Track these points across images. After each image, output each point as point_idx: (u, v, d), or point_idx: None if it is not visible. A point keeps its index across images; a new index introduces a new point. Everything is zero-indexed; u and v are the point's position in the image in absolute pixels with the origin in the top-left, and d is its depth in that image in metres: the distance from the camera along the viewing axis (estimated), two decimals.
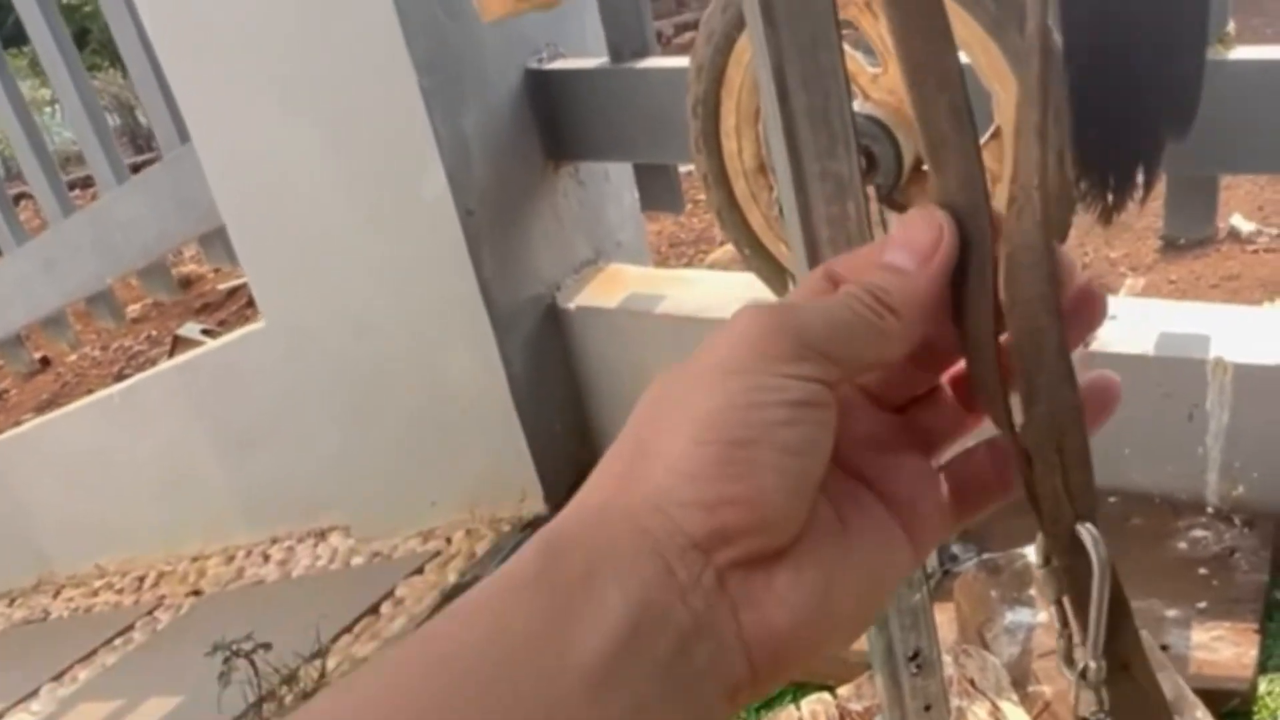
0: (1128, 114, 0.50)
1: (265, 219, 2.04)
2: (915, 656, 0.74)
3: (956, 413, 0.45)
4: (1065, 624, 0.44)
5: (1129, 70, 0.48)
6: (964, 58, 1.23)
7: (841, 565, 0.37)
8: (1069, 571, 0.42)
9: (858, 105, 1.29)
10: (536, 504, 2.16)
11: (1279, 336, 1.63)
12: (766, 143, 0.81)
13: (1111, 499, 1.74)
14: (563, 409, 2.15)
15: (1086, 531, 0.41)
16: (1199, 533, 1.68)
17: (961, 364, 0.45)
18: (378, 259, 1.99)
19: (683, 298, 1.99)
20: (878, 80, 1.31)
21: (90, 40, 8.60)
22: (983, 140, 1.29)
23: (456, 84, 1.82)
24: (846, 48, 1.24)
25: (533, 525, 2.15)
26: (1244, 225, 3.22)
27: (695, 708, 0.34)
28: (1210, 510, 1.70)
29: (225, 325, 5.11)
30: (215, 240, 2.34)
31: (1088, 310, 0.43)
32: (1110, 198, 0.52)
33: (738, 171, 1.41)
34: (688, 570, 0.34)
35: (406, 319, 2.03)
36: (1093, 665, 0.42)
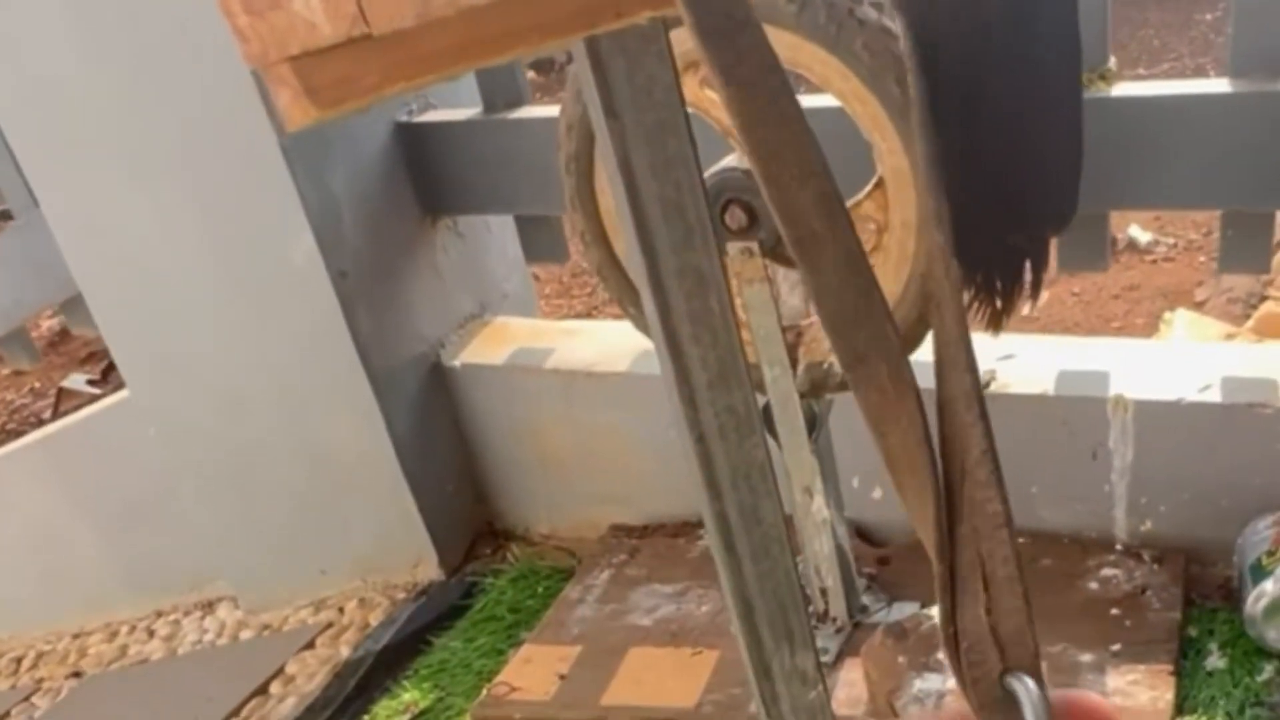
0: (1008, 217, 0.47)
1: (124, 287, 1.94)
2: None
3: None
4: None
5: (1006, 173, 0.45)
6: (837, 103, 1.18)
7: None
8: None
9: (733, 160, 1.23)
10: (431, 569, 2.09)
11: (1176, 371, 1.63)
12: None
13: (1020, 539, 1.71)
14: (453, 469, 2.08)
15: (1020, 686, 0.35)
16: (1109, 571, 1.67)
17: None
18: (247, 327, 1.90)
19: (572, 350, 1.93)
20: None
21: None
22: (865, 192, 1.24)
23: (321, 142, 1.75)
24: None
25: (426, 591, 2.08)
26: (1142, 236, 3.28)
27: None
28: (1120, 547, 1.70)
29: (112, 374, 4.94)
30: (78, 306, 2.23)
31: None
32: (999, 301, 0.49)
33: (615, 230, 1.34)
34: None
35: (282, 387, 1.95)
36: None
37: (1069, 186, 0.46)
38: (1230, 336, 2.34)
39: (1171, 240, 3.27)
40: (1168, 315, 2.53)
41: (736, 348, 0.68)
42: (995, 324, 0.48)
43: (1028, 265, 0.48)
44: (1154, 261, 3.25)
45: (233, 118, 1.68)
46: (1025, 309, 0.49)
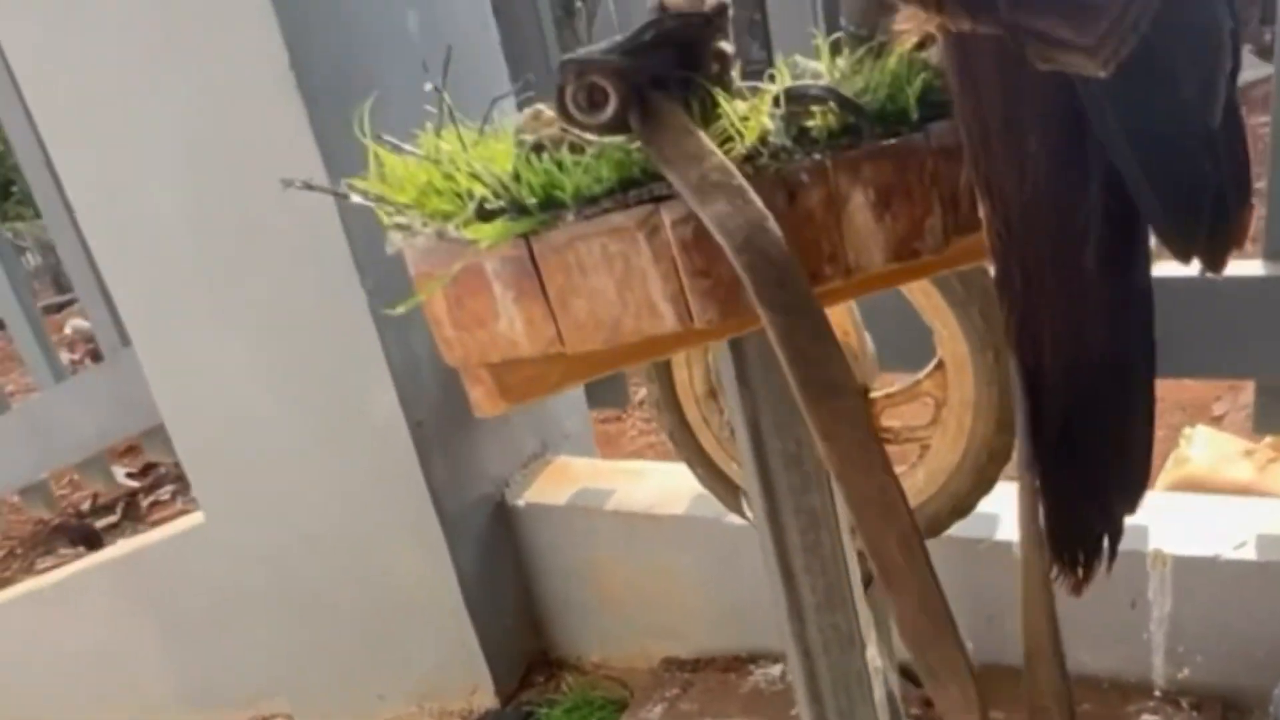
0: (1096, 511, 0.53)
1: (206, 424, 2.02)
2: None
3: None
4: None
5: (1098, 480, 0.51)
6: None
7: None
8: None
9: None
10: (487, 697, 2.14)
11: (1212, 526, 1.68)
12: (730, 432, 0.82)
13: None
14: (513, 601, 2.14)
15: None
16: (1149, 717, 1.71)
17: None
18: (324, 469, 1.98)
19: (631, 492, 2.01)
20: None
21: (15, 192, 8.55)
22: (926, 371, 1.33)
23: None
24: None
25: (483, 719, 2.13)
26: None
27: None
28: (1158, 693, 1.74)
29: (152, 469, 5.00)
30: (157, 436, 2.32)
31: None
32: (1081, 573, 0.55)
33: (689, 398, 1.43)
34: None
35: (355, 525, 2.02)
36: None
37: (1143, 477, 0.53)
38: (1249, 453, 2.37)
39: None
40: (1187, 431, 2.55)
41: (844, 573, 0.77)
42: (1077, 590, 0.56)
43: (1106, 539, 0.55)
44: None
45: (326, 278, 1.77)
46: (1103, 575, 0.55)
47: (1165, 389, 3.18)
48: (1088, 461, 0.51)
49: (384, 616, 2.10)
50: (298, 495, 2.03)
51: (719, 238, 0.44)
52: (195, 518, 2.31)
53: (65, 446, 2.49)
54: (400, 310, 0.56)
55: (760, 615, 1.91)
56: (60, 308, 8.02)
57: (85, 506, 4.97)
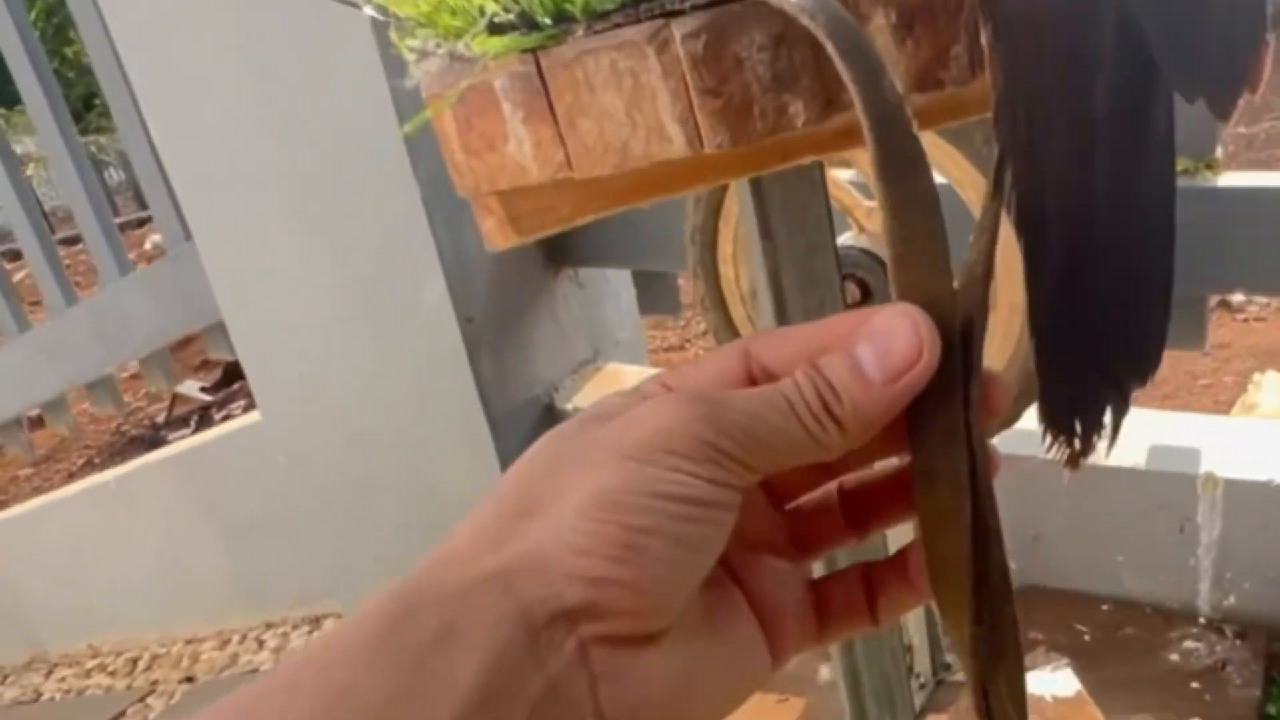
0: (1096, 369, 0.50)
1: (265, 320, 2.06)
2: None
3: (839, 524, 0.42)
4: None
5: (1098, 330, 0.49)
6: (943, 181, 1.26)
7: (706, 656, 0.36)
8: None
9: (850, 238, 1.32)
10: None
11: (1267, 450, 1.65)
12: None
13: (1105, 607, 1.76)
14: None
15: None
16: (1191, 644, 1.69)
17: (859, 474, 0.42)
18: (376, 365, 2.01)
19: None
20: (872, 214, 1.34)
21: (97, 104, 8.70)
22: None
23: (460, 197, 1.82)
24: (842, 179, 1.26)
25: None
26: (1234, 295, 3.25)
27: None
28: (1202, 620, 1.72)
29: (224, 384, 5.10)
30: (218, 332, 2.36)
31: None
32: (1078, 444, 0.52)
33: (734, 297, 1.43)
34: (550, 638, 0.32)
35: (404, 423, 2.05)
36: None
37: (1155, 347, 0.50)
38: None
39: (1264, 300, 3.24)
40: (1256, 376, 2.51)
41: None
42: (1073, 463, 0.53)
43: (1109, 412, 0.52)
44: (1245, 320, 3.22)
45: (381, 168, 1.78)
46: (1101, 451, 0.52)
47: (1234, 332, 3.13)
48: (1092, 321, 0.48)
49: (429, 516, 2.13)
50: (350, 394, 2.06)
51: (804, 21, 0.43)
52: (252, 417, 2.36)
53: (129, 341, 2.54)
54: (408, 129, 0.56)
55: None
56: (142, 223, 8.16)
57: (160, 419, 5.08)
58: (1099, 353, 0.49)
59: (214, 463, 2.45)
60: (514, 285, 1.97)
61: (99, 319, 2.56)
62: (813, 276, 0.64)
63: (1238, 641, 1.67)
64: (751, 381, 0.39)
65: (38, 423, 3.21)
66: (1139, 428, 1.75)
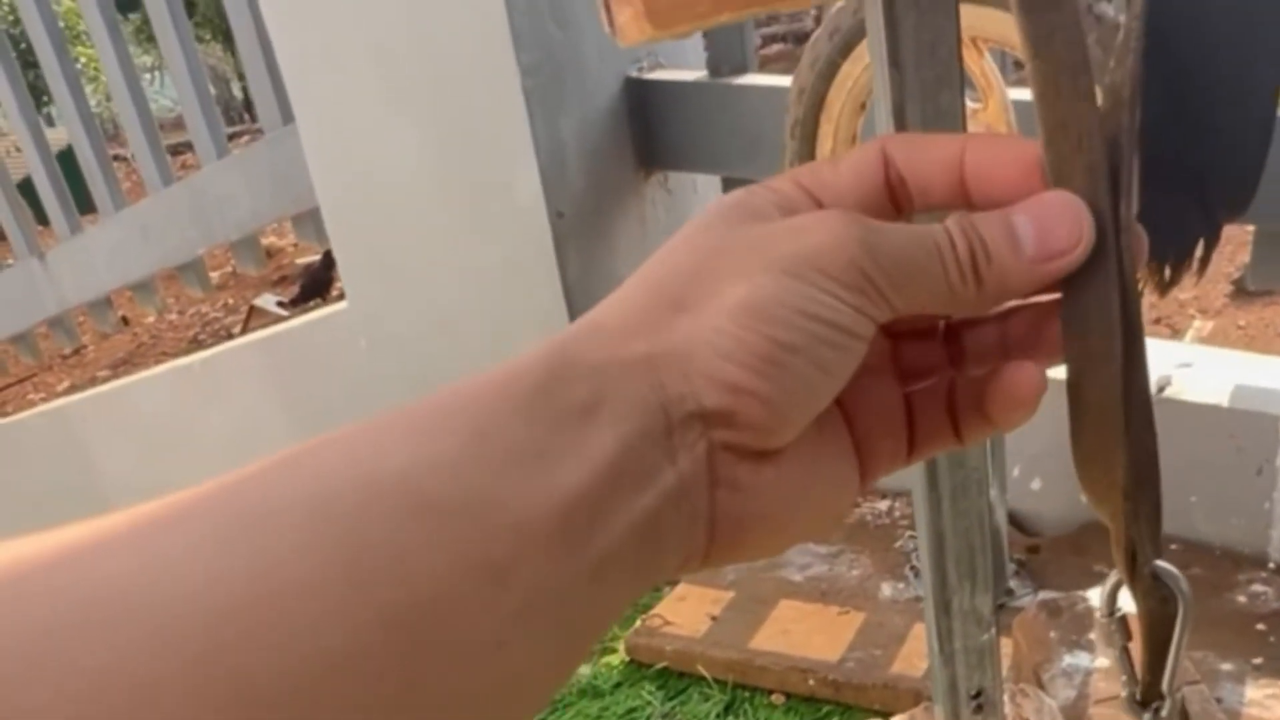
0: (1191, 197, 0.50)
1: (359, 206, 2.09)
2: (977, 695, 0.74)
3: (942, 358, 0.42)
4: (1130, 671, 0.45)
5: (1196, 156, 0.49)
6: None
7: (812, 474, 0.37)
8: (1147, 614, 0.42)
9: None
10: None
11: None
12: None
13: (1173, 546, 1.75)
14: None
15: (1168, 570, 0.41)
16: (1259, 588, 1.68)
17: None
18: (465, 255, 2.02)
19: None
20: (976, 115, 1.33)
21: (195, 12, 8.78)
22: None
23: (558, 88, 1.85)
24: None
25: None
26: None
27: (651, 567, 0.33)
28: (1272, 566, 1.70)
29: (303, 300, 5.19)
30: (308, 220, 2.39)
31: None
32: (1168, 273, 0.52)
33: None
34: (683, 435, 0.33)
35: (488, 313, 2.07)
36: (1168, 700, 0.43)
37: (1251, 179, 0.50)
38: None
39: None
40: None
41: None
42: (1161, 291, 0.53)
43: (1201, 243, 0.52)
44: None
45: (484, 56, 1.79)
46: (1190, 284, 0.51)
47: None
48: (1194, 146, 0.48)
49: None
50: (437, 280, 2.08)
51: None
52: (339, 305, 2.39)
53: (223, 224, 2.58)
54: None
55: None
56: (230, 139, 8.27)
57: (236, 331, 5.18)
58: (1197, 179, 0.49)
59: (298, 346, 2.48)
60: (606, 184, 1.98)
61: (195, 199, 2.61)
62: (939, 111, 0.62)
63: None
64: (889, 186, 0.39)
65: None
66: (1223, 366, 1.73)
